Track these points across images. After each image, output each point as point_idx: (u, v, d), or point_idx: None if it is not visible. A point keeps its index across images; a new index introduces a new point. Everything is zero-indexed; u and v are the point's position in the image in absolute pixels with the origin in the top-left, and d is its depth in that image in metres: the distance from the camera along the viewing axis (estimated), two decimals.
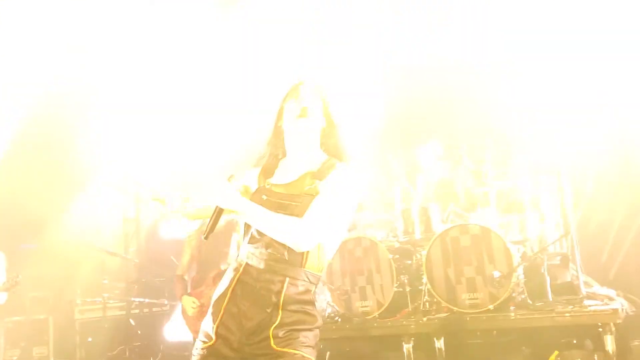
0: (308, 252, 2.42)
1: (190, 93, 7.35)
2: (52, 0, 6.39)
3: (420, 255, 5.23)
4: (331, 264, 5.48)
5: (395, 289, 5.16)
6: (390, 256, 5.20)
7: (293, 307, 2.40)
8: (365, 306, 5.29)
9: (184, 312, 4.85)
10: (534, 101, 5.93)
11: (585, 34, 5.89)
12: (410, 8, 6.70)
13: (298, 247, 2.37)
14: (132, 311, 7.92)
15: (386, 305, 5.18)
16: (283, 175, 2.58)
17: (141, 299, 7.52)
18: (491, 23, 6.29)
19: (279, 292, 2.39)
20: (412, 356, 4.88)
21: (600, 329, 4.31)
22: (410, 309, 5.16)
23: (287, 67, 6.81)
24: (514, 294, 4.85)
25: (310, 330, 2.44)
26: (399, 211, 5.53)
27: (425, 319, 4.92)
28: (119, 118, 7.68)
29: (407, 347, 4.88)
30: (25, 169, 7.89)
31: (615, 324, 4.31)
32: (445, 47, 6.71)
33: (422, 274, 5.09)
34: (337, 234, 2.55)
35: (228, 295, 2.48)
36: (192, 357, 2.50)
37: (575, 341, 4.65)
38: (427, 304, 5.13)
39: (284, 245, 2.39)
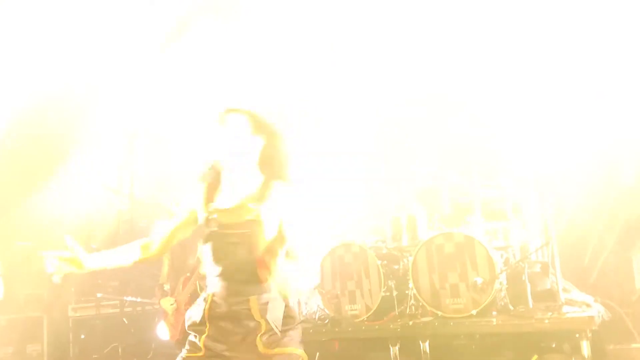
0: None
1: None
2: None
3: (407, 261, 5.42)
4: (322, 268, 5.67)
5: (383, 294, 5.35)
6: (379, 262, 5.38)
7: (272, 315, 2.56)
8: (354, 309, 5.47)
9: (165, 314, 5.12)
10: (516, 114, 6.11)
11: (566, 45, 6.07)
12: None
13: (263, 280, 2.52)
14: (126, 310, 8.06)
15: (374, 309, 5.37)
16: (225, 198, 2.70)
17: (134, 299, 7.66)
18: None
19: (250, 309, 2.56)
20: (398, 358, 5.07)
21: (577, 335, 4.52)
22: (397, 313, 5.34)
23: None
24: (496, 300, 5.04)
25: (292, 329, 2.62)
26: (389, 218, 5.71)
27: (411, 322, 5.10)
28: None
29: (394, 349, 5.07)
30: (19, 166, 7.99)
31: (591, 330, 4.51)
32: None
33: (409, 279, 5.28)
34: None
35: (206, 319, 2.62)
36: None
37: (554, 345, 4.85)
38: (413, 307, 5.30)
39: (242, 273, 2.56)
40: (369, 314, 5.39)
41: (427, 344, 5.01)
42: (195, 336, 2.63)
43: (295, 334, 2.65)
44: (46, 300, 8.37)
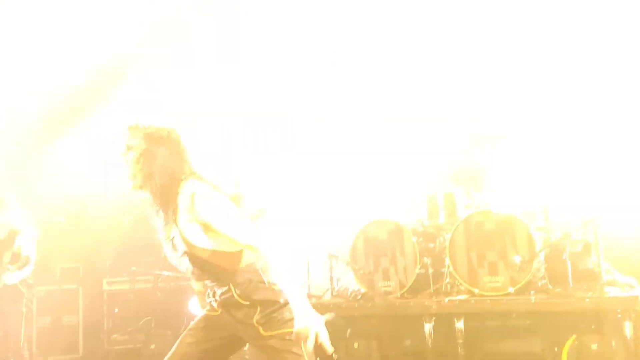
0: (219, 259, 2.69)
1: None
2: None
3: (444, 238, 5.35)
4: (355, 245, 5.65)
5: (418, 271, 5.30)
6: (414, 239, 5.33)
7: (257, 297, 2.70)
8: (388, 286, 5.44)
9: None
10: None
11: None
12: None
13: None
14: (159, 284, 8.16)
15: (408, 286, 5.33)
16: (162, 217, 2.70)
17: (168, 273, 7.73)
18: None
19: (235, 294, 2.71)
20: (432, 335, 5.02)
21: (620, 315, 4.41)
22: (432, 290, 5.28)
23: None
24: (534, 279, 4.95)
25: (283, 308, 2.69)
26: (425, 196, 5.64)
27: (446, 300, 5.04)
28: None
29: (428, 326, 5.02)
30: (56, 142, 8.11)
31: (634, 311, 4.40)
32: None
33: (445, 257, 5.21)
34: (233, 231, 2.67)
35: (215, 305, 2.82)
36: (195, 319, 2.89)
37: (593, 326, 4.74)
38: (448, 285, 5.25)
39: (206, 270, 2.72)
40: (402, 290, 5.35)
41: (462, 322, 4.95)
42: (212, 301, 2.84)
43: (287, 312, 2.68)
44: (81, 273, 8.53)
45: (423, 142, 7.19)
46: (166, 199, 2.64)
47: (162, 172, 2.65)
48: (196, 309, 5.30)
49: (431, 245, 5.60)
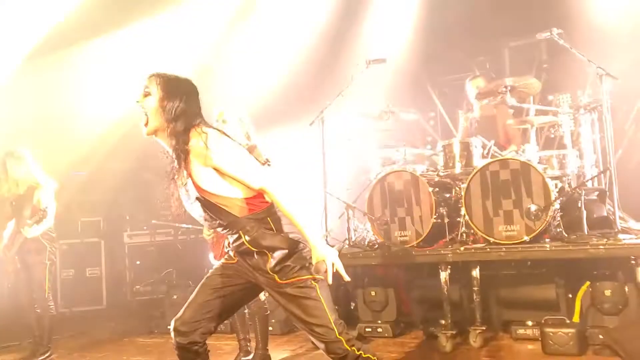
0: (228, 206, 2.80)
1: None
2: None
3: (460, 188, 5.39)
4: (372, 196, 5.71)
5: (434, 221, 5.36)
6: (430, 189, 5.37)
7: (268, 244, 2.81)
8: (404, 236, 5.52)
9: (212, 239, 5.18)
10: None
11: None
12: None
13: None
14: (179, 237, 8.34)
15: (424, 235, 5.40)
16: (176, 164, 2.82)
17: (188, 226, 7.87)
18: None
19: (244, 241, 2.83)
20: (448, 283, 5.12)
21: (633, 262, 4.46)
22: (447, 240, 5.36)
23: None
24: (550, 227, 4.99)
25: (295, 254, 2.82)
26: (440, 146, 5.65)
27: (462, 248, 5.12)
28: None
29: (444, 274, 5.11)
30: (74, 95, 8.13)
31: None
32: None
33: (461, 207, 5.26)
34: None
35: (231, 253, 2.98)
36: (213, 268, 3.01)
37: (607, 273, 4.81)
38: (464, 235, 5.31)
39: (217, 216, 2.81)
40: (419, 240, 5.42)
41: (477, 270, 5.03)
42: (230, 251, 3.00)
43: (300, 259, 2.82)
44: (102, 226, 8.70)
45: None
46: (180, 146, 2.74)
47: (177, 119, 2.76)
48: (214, 260, 5.44)
49: (447, 195, 5.64)
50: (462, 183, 5.36)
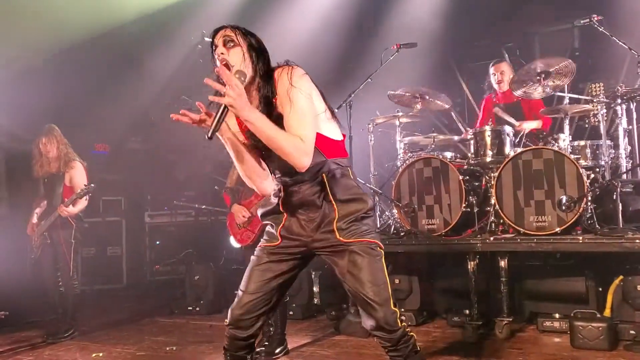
0: (321, 148, 2.61)
1: None
2: None
3: (490, 177, 5.29)
4: (399, 182, 5.62)
5: (463, 209, 5.26)
6: (460, 177, 5.27)
7: (344, 197, 2.64)
8: (432, 224, 5.43)
9: (230, 221, 5.11)
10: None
11: None
12: None
13: (300, 168, 2.52)
14: (200, 219, 8.32)
15: (453, 224, 5.30)
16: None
17: (209, 207, 7.85)
18: None
19: (323, 187, 2.64)
20: (475, 273, 5.03)
21: None
22: (476, 229, 5.26)
23: None
24: (583, 219, 4.88)
25: (368, 216, 2.68)
26: (471, 133, 5.54)
27: (492, 238, 5.02)
28: None
29: (472, 264, 5.03)
30: (98, 77, 8.12)
31: None
32: None
33: (491, 196, 5.16)
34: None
35: (281, 209, 2.72)
36: (254, 254, 2.79)
37: None
38: (493, 224, 5.22)
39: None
40: (447, 228, 5.33)
41: (506, 260, 4.95)
42: (272, 226, 2.76)
43: (372, 222, 2.71)
44: (123, 206, 8.71)
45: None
46: (266, 89, 2.60)
47: (264, 62, 2.65)
48: (233, 242, 5.39)
49: (476, 183, 5.54)
50: (493, 172, 5.25)
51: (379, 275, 2.59)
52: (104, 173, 8.52)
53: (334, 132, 2.69)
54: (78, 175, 5.72)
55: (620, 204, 4.68)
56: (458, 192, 5.28)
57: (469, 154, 5.56)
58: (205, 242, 8.05)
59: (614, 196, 4.71)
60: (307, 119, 2.52)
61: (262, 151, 2.69)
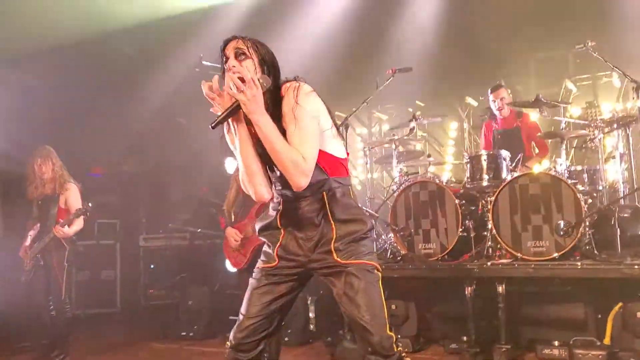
0: (324, 166, 2.59)
1: None
2: None
3: (487, 201, 5.25)
4: (395, 206, 5.59)
5: (460, 234, 5.22)
6: (457, 201, 5.24)
7: (343, 217, 2.61)
8: (429, 248, 5.38)
9: (225, 244, 5.06)
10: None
11: None
12: None
13: (297, 188, 2.51)
14: (195, 242, 8.24)
15: (450, 248, 5.26)
16: None
17: (205, 231, 7.78)
18: None
19: (322, 206, 2.61)
20: (472, 299, 4.97)
21: None
22: (473, 254, 5.21)
23: None
24: (581, 244, 4.84)
25: (366, 237, 2.64)
26: (467, 157, 5.52)
27: (489, 263, 4.97)
28: None
29: (469, 289, 4.97)
30: (94, 98, 8.11)
31: None
32: None
33: (488, 220, 5.13)
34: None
35: (279, 225, 2.70)
36: (253, 277, 2.74)
37: None
38: (490, 249, 5.18)
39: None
40: (444, 253, 5.29)
41: (503, 286, 4.88)
42: (269, 245, 2.73)
43: (370, 243, 2.66)
44: (118, 229, 8.63)
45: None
46: (273, 103, 2.55)
47: (274, 76, 2.60)
48: (229, 266, 5.33)
49: (473, 207, 5.50)
50: (490, 196, 5.22)
51: (375, 299, 2.54)
52: (99, 195, 8.45)
53: (338, 149, 2.66)
54: (73, 197, 5.68)
55: (618, 229, 4.64)
56: (454, 216, 5.24)
57: (465, 178, 5.54)
58: (200, 266, 7.95)
59: (612, 221, 4.67)
60: (310, 138, 2.49)
61: (265, 160, 2.63)
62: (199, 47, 7.89)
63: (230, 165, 7.39)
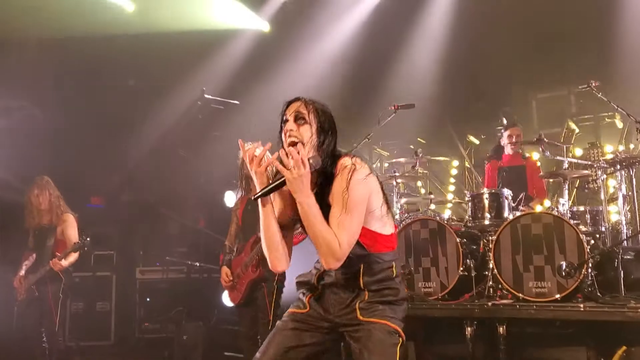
0: (365, 242, 2.59)
1: None
2: None
3: (488, 240, 5.20)
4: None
5: (461, 273, 5.15)
6: (458, 240, 5.18)
7: (374, 287, 2.63)
8: (429, 287, 5.30)
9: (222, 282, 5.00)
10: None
11: None
12: None
13: (327, 268, 2.55)
14: (192, 275, 8.14)
15: (450, 287, 5.18)
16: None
17: (202, 264, 7.70)
18: None
19: (357, 277, 2.63)
20: (473, 340, 4.88)
21: None
22: (474, 294, 5.13)
23: None
24: (583, 286, 4.77)
25: (397, 304, 2.64)
26: (469, 196, 5.48)
27: (490, 304, 4.89)
28: None
29: (469, 330, 4.88)
30: (95, 128, 8.11)
31: None
32: None
33: (489, 260, 5.06)
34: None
35: (316, 283, 2.72)
36: (281, 320, 2.75)
37: None
38: (491, 289, 5.10)
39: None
40: (444, 292, 5.20)
41: (504, 327, 4.79)
42: (303, 293, 2.77)
43: (399, 310, 2.65)
44: (115, 261, 8.54)
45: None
46: (324, 177, 2.56)
47: (330, 144, 2.60)
48: (227, 300, 5.23)
49: (474, 246, 5.44)
50: (491, 235, 5.17)
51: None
52: (97, 227, 8.40)
53: (383, 227, 2.64)
54: (70, 228, 5.63)
55: (622, 272, 4.58)
56: (455, 255, 5.18)
57: (467, 217, 5.50)
58: (197, 300, 7.85)
59: (616, 263, 4.60)
60: (351, 227, 2.48)
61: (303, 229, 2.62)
62: (201, 82, 7.98)
63: (229, 199, 7.37)
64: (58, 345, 5.50)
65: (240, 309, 4.92)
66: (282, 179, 2.41)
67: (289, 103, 2.63)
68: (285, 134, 2.58)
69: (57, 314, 5.48)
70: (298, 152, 2.39)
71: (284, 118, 2.61)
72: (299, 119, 2.57)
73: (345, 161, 2.55)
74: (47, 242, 5.58)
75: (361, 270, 2.61)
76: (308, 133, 2.56)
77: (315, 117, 2.58)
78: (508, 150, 6.25)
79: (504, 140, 6.28)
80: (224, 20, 8.17)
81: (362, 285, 2.61)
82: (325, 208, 2.49)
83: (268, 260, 2.65)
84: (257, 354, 2.65)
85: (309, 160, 2.44)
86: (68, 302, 6.84)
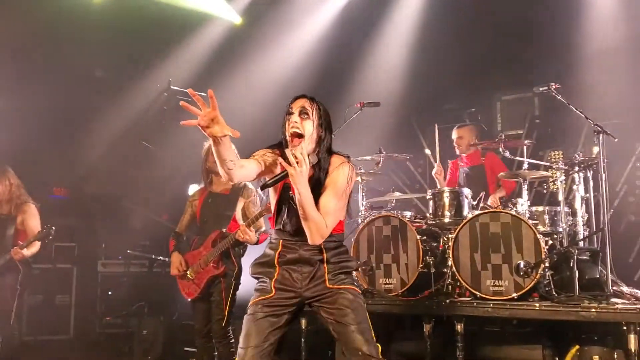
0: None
1: None
2: None
3: (448, 238, 5.25)
4: (358, 239, 5.54)
5: (420, 270, 5.19)
6: (418, 237, 5.22)
7: (334, 259, 3.04)
8: (389, 284, 5.33)
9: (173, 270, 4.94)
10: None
11: None
12: None
13: (311, 243, 2.93)
14: (154, 269, 8.06)
15: (410, 284, 5.21)
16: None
17: (164, 258, 7.62)
18: None
19: (320, 252, 3.02)
20: (431, 337, 4.93)
21: (625, 328, 4.30)
22: (433, 290, 5.18)
23: None
24: (540, 285, 4.85)
25: (351, 273, 3.16)
26: (430, 194, 5.52)
27: (447, 301, 4.94)
28: None
29: (427, 327, 4.93)
30: (60, 117, 7.96)
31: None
32: None
33: (448, 257, 5.11)
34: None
35: (275, 263, 3.04)
36: (248, 313, 3.01)
37: (596, 338, 4.64)
38: (450, 286, 5.15)
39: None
40: (404, 289, 5.24)
41: (462, 324, 4.85)
42: (265, 281, 3.04)
43: (353, 279, 3.27)
44: (76, 253, 8.41)
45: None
46: (321, 168, 2.98)
47: (327, 139, 3.02)
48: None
49: (434, 244, 5.49)
50: (450, 233, 5.22)
51: (363, 315, 2.98)
52: (59, 218, 8.24)
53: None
54: (31, 218, 5.51)
55: (577, 272, 4.65)
56: (416, 252, 5.22)
57: (428, 214, 5.53)
58: (158, 295, 7.76)
59: (571, 263, 4.68)
60: (338, 214, 2.98)
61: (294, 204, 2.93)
62: (168, 74, 7.89)
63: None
64: (14, 339, 5.37)
65: (195, 304, 4.88)
66: (285, 173, 2.78)
67: (296, 98, 3.00)
68: (288, 124, 2.96)
69: (14, 306, 5.36)
70: (301, 153, 2.75)
71: (289, 111, 2.98)
72: (303, 113, 2.96)
73: (339, 159, 3.02)
74: (7, 232, 5.45)
75: (323, 245, 2.99)
76: (310, 128, 2.95)
77: (317, 115, 2.97)
78: (459, 150, 6.35)
79: (454, 140, 6.39)
80: (196, 4, 8.13)
81: (325, 258, 3.00)
82: (316, 195, 2.89)
83: (225, 172, 2.79)
84: (240, 349, 2.90)
85: (308, 156, 2.81)
86: (26, 294, 6.72)
